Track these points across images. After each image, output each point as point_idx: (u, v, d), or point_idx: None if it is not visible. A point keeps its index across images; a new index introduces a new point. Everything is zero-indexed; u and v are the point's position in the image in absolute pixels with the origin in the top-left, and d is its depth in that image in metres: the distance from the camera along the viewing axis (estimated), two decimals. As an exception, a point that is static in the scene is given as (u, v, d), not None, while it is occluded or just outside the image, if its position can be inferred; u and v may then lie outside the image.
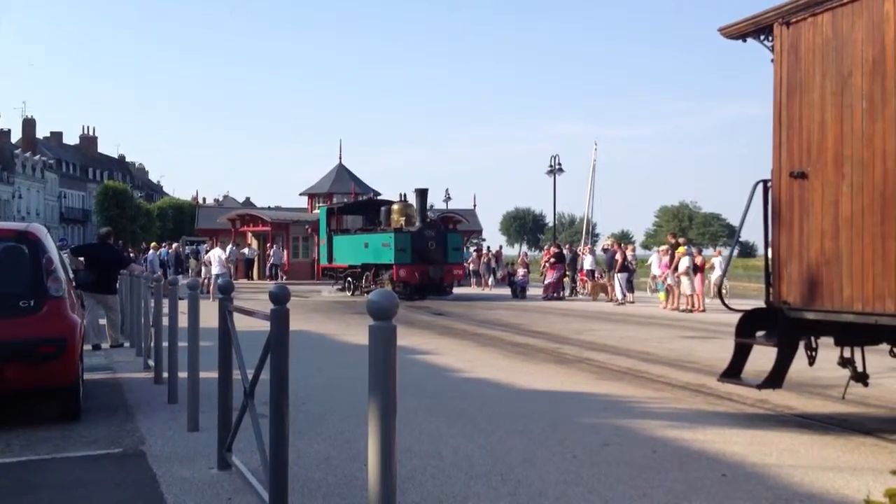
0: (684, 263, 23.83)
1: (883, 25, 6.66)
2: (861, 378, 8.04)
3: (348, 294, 32.56)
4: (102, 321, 14.26)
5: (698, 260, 24.71)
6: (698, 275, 23.87)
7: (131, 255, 29.21)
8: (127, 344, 14.08)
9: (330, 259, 34.88)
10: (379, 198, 36.69)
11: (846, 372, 8.13)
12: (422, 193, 31.25)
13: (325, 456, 6.31)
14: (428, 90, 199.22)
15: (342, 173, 54.98)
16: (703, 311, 23.04)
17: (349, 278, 33.20)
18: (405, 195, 33.88)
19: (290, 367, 4.49)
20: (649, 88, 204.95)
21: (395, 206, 32.46)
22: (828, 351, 8.10)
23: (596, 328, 18.10)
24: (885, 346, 8.01)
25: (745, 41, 8.11)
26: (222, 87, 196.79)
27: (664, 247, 26.47)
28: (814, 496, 5.36)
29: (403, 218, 31.33)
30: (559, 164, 44.36)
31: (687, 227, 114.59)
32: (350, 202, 36.53)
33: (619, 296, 27.33)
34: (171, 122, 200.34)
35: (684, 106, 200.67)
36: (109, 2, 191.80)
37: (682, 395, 9.40)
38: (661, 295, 25.50)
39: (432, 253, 29.62)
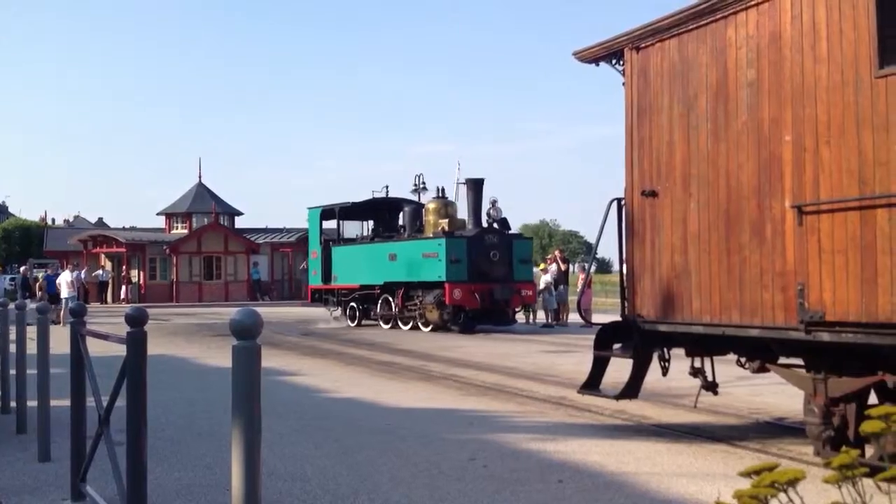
0: (545, 280, 24.55)
1: (726, 50, 7.03)
2: (711, 387, 8.40)
3: (350, 324, 24.99)
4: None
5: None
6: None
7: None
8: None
9: (327, 277, 26.09)
10: (392, 196, 27.18)
11: (697, 381, 8.48)
12: (475, 185, 22.93)
13: (185, 483, 6.12)
14: (292, 107, 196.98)
15: (202, 192, 53.72)
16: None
17: (353, 303, 25.20)
18: (443, 189, 25.00)
19: (148, 392, 4.35)
20: (512, 108, 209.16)
21: (430, 205, 24.02)
22: (680, 362, 8.45)
23: (461, 345, 18.29)
24: (732, 357, 8.42)
25: (598, 65, 8.39)
26: (70, 105, 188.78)
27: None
28: (670, 501, 5.57)
29: (445, 220, 23.07)
30: (423, 182, 44.64)
31: (547, 245, 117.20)
32: (356, 202, 26.14)
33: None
34: (17, 140, 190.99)
35: (545, 126, 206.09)
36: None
37: (544, 407, 9.61)
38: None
39: (496, 266, 21.94)
